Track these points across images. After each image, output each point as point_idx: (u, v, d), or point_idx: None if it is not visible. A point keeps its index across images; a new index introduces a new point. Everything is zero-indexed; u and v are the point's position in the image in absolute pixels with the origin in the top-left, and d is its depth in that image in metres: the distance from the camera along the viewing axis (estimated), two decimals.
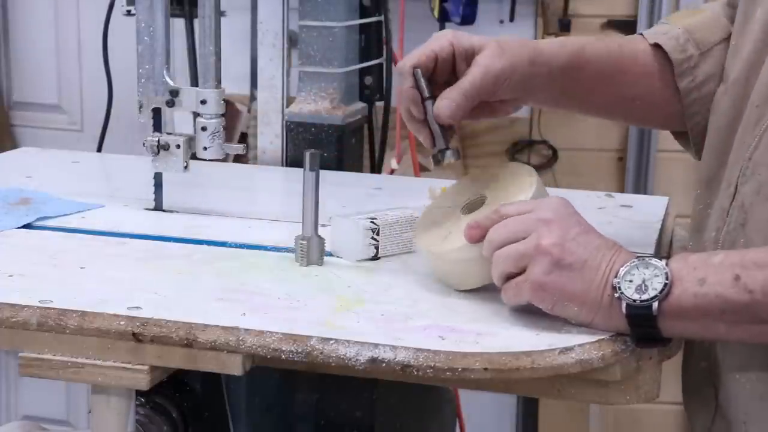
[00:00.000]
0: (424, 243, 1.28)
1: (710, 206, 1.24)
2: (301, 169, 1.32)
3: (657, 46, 1.34)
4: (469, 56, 1.26)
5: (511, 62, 1.25)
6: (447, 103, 1.24)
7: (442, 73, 1.27)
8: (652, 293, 1.07)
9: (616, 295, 1.09)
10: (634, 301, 1.08)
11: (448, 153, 1.26)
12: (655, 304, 1.07)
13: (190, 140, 1.54)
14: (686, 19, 1.36)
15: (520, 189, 1.25)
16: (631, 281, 1.08)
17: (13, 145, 3.05)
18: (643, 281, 1.08)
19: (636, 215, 1.63)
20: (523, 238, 1.12)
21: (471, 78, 1.24)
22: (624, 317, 1.09)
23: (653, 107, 1.34)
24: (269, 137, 2.01)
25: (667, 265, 1.08)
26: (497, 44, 1.26)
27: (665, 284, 1.07)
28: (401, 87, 1.27)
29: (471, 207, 1.28)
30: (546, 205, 1.15)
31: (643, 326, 1.09)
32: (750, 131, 1.18)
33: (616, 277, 1.09)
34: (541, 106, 1.35)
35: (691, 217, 1.31)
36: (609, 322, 1.10)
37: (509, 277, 1.14)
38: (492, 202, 1.26)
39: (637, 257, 1.10)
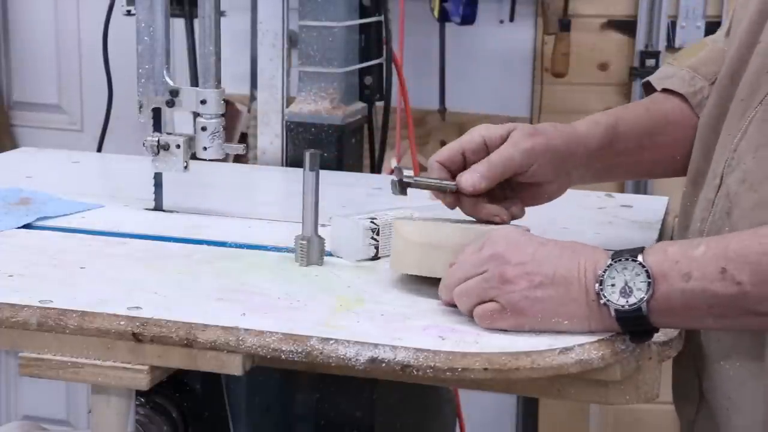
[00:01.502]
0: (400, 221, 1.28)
1: (695, 201, 1.25)
2: (301, 169, 1.32)
3: (669, 91, 1.37)
4: (504, 142, 1.28)
5: (542, 142, 1.27)
6: (469, 174, 1.26)
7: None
8: (638, 295, 1.06)
9: (602, 301, 1.08)
10: (622, 306, 1.07)
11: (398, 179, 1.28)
12: (644, 305, 1.06)
13: (190, 140, 1.54)
14: (689, 59, 1.39)
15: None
16: (613, 285, 1.07)
17: (13, 145, 3.06)
18: (626, 283, 1.06)
19: (636, 215, 1.63)
20: (480, 274, 1.11)
21: (498, 151, 1.26)
22: (615, 320, 1.08)
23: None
24: (269, 137, 2.01)
25: (644, 260, 1.06)
26: (530, 126, 1.29)
27: (649, 283, 1.06)
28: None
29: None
30: (494, 237, 1.14)
31: (634, 325, 1.08)
32: (735, 124, 1.19)
33: (597, 282, 1.08)
34: (584, 183, 1.38)
35: (679, 215, 1.32)
36: (604, 325, 1.09)
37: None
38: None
39: (612, 258, 1.08)
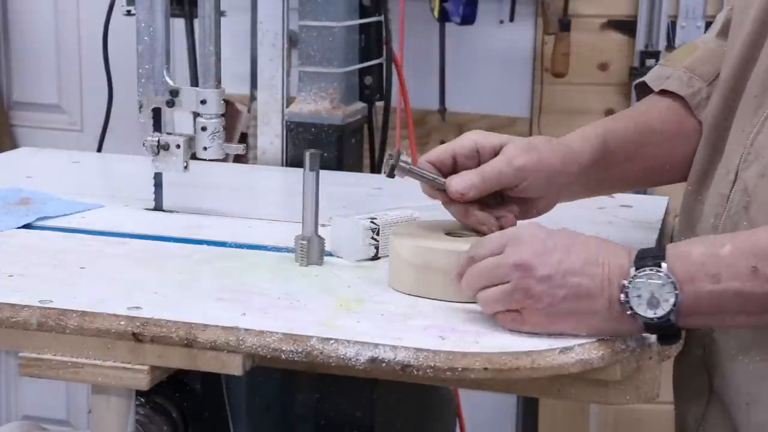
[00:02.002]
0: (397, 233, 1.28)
1: (703, 199, 1.25)
2: (301, 169, 1.32)
3: (665, 92, 1.37)
4: (497, 153, 1.27)
5: (538, 158, 1.26)
6: (460, 179, 1.25)
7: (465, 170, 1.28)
8: (666, 307, 1.05)
9: (629, 312, 1.07)
10: (651, 319, 1.06)
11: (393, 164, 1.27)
12: (673, 316, 1.06)
13: (190, 140, 1.54)
14: (684, 60, 1.39)
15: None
16: (639, 296, 1.06)
17: (13, 145, 3.05)
18: (652, 294, 1.06)
19: (636, 215, 1.63)
20: (504, 282, 1.10)
21: (492, 163, 1.26)
22: (642, 326, 1.08)
23: (683, 165, 1.34)
24: (269, 137, 2.01)
25: (669, 268, 1.06)
26: (526, 141, 1.28)
27: (676, 294, 1.05)
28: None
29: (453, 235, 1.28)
30: (519, 237, 1.12)
31: (661, 331, 1.08)
32: (749, 120, 1.19)
33: (622, 293, 1.07)
34: (573, 199, 1.38)
35: (680, 214, 1.31)
36: (631, 330, 1.09)
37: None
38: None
39: (636, 264, 1.07)
